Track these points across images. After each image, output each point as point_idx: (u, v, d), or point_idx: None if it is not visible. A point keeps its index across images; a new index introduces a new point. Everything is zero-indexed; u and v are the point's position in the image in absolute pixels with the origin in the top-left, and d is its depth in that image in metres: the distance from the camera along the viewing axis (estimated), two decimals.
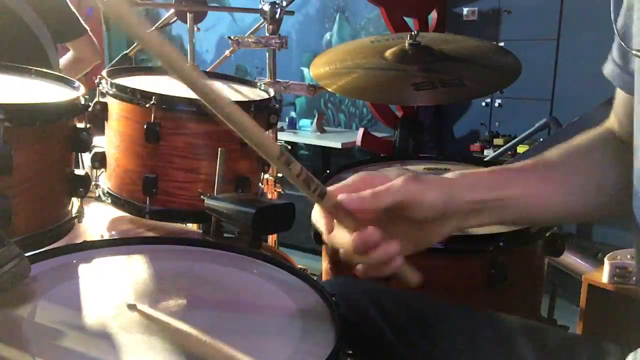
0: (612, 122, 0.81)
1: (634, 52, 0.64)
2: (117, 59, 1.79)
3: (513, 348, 0.77)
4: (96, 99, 1.18)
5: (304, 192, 0.66)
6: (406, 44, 1.51)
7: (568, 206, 0.77)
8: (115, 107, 1.17)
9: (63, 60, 2.19)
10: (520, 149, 3.23)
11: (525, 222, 0.93)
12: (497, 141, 3.66)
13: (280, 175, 1.70)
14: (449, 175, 0.72)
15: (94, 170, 1.24)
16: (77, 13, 2.15)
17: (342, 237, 0.68)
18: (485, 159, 2.99)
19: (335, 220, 0.69)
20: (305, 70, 4.69)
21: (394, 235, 0.67)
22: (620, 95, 0.77)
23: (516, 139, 3.24)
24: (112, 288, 0.80)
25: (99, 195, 1.25)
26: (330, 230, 0.69)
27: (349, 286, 0.89)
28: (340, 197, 0.66)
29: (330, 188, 0.68)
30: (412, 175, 0.68)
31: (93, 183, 1.20)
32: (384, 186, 0.67)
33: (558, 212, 0.77)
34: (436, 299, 0.89)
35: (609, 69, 0.75)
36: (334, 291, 0.79)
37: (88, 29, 2.20)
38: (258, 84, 1.39)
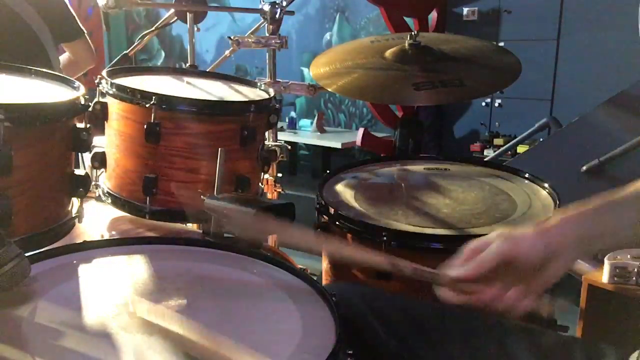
0: None
1: None
2: (117, 59, 1.79)
3: (511, 351, 0.78)
4: (96, 99, 1.18)
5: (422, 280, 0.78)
6: (406, 44, 1.51)
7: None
8: (115, 107, 1.16)
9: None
10: (520, 149, 3.23)
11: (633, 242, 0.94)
12: (497, 141, 3.66)
13: (280, 175, 1.70)
14: (547, 223, 0.77)
15: (94, 170, 1.24)
16: (76, 15, 2.15)
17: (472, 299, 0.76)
18: (485, 159, 2.99)
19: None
20: (305, 70, 4.69)
21: (515, 284, 0.74)
22: None
23: (516, 139, 3.25)
24: (112, 288, 0.80)
25: (99, 195, 1.25)
26: (465, 298, 0.76)
27: (347, 292, 0.89)
28: (452, 273, 0.76)
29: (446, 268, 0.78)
30: (506, 234, 0.76)
31: (93, 183, 1.20)
32: (483, 254, 0.75)
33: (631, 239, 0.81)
34: (434, 303, 0.90)
35: None
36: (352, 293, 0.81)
37: (86, 31, 2.20)
38: (258, 84, 1.39)
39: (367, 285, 1.14)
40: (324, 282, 1.25)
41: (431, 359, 0.80)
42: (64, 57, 2.22)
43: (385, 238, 1.06)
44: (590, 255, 0.78)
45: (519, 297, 0.74)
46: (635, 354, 0.68)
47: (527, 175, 1.39)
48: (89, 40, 2.22)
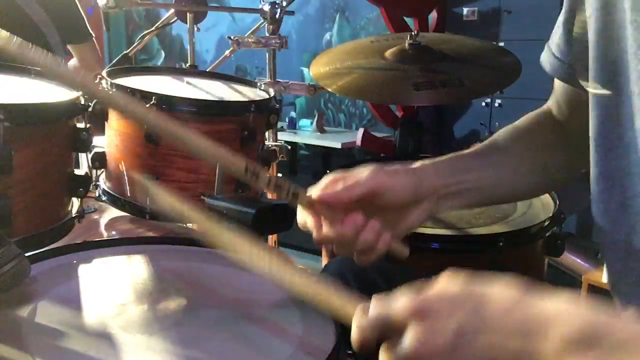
0: (551, 105, 0.89)
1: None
2: (117, 59, 1.78)
3: None
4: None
5: (280, 197, 0.71)
6: (406, 44, 1.51)
7: (515, 188, 0.85)
8: None
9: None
10: None
11: (482, 204, 1.00)
12: None
13: (280, 175, 1.70)
14: (415, 164, 0.77)
15: (94, 170, 1.24)
16: (85, 18, 2.15)
17: (330, 231, 0.71)
18: None
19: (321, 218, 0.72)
20: (305, 70, 4.69)
21: (376, 219, 0.71)
22: (559, 84, 0.85)
23: None
24: (112, 288, 0.80)
25: (99, 195, 1.25)
26: (318, 227, 0.72)
27: (354, 265, 0.90)
28: (314, 193, 0.71)
29: (306, 190, 0.73)
30: (380, 166, 0.73)
31: (93, 183, 1.20)
32: (354, 178, 0.72)
33: (506, 194, 0.86)
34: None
35: (549, 62, 0.82)
36: (347, 268, 0.82)
37: (94, 35, 2.20)
38: (258, 84, 1.39)
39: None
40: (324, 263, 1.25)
41: None
42: (70, 63, 2.21)
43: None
44: (446, 208, 0.80)
45: (379, 233, 0.71)
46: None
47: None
48: (97, 45, 2.22)
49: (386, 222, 0.72)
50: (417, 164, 0.77)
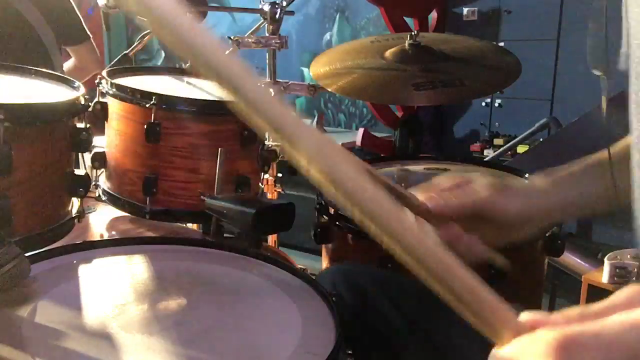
0: None
1: None
2: (117, 59, 1.78)
3: None
4: (96, 99, 1.18)
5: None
6: (406, 44, 1.51)
7: (606, 200, 0.82)
8: (115, 107, 1.16)
9: (64, 68, 2.18)
10: (520, 149, 3.23)
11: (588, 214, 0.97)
12: (497, 141, 3.65)
13: (280, 175, 1.70)
14: (531, 181, 0.78)
15: (94, 170, 1.24)
16: (82, 19, 2.14)
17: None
18: (485, 159, 2.99)
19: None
20: (305, 70, 4.69)
21: (474, 232, 0.73)
22: None
23: (516, 139, 3.25)
24: (112, 288, 0.80)
25: (99, 195, 1.25)
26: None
27: (355, 274, 0.89)
28: (427, 200, 0.73)
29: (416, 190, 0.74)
30: (497, 184, 0.74)
31: (93, 183, 1.20)
32: (470, 196, 0.73)
33: (599, 207, 0.83)
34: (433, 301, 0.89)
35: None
36: (339, 279, 0.82)
37: (91, 36, 2.19)
38: None
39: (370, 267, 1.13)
40: (324, 267, 1.25)
41: (442, 338, 0.80)
42: (69, 64, 2.21)
43: None
44: (553, 222, 0.83)
45: (477, 243, 0.72)
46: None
47: (527, 175, 1.39)
48: (95, 45, 2.21)
49: (485, 233, 0.73)
50: (534, 181, 0.78)
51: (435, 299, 0.86)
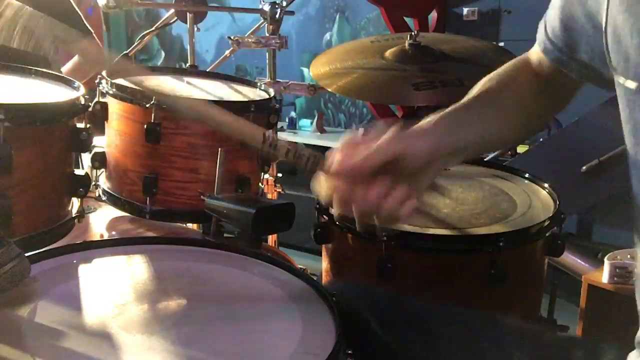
0: (532, 58, 0.93)
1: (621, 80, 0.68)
2: (117, 59, 1.78)
3: (509, 351, 0.77)
4: (96, 99, 1.18)
5: (300, 167, 0.72)
6: (406, 44, 1.51)
7: (504, 136, 0.89)
8: (115, 107, 1.16)
9: (68, 65, 2.18)
10: (520, 148, 3.22)
11: (475, 156, 1.06)
12: None
13: (280, 175, 1.70)
14: (424, 124, 0.78)
15: (94, 170, 1.24)
16: (82, 15, 2.14)
17: (351, 199, 0.72)
18: (485, 159, 2.99)
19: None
20: (305, 70, 4.69)
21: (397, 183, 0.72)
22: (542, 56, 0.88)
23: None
24: (112, 288, 0.80)
25: (99, 195, 1.25)
26: (339, 197, 0.73)
27: (346, 291, 0.89)
28: (335, 163, 0.72)
29: (325, 157, 0.74)
30: (399, 130, 0.73)
31: (93, 183, 1.20)
32: (374, 147, 0.71)
33: (496, 142, 0.93)
34: (432, 302, 0.90)
35: (544, 42, 0.87)
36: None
37: (92, 31, 2.19)
38: (258, 84, 1.39)
39: (366, 284, 1.14)
40: (324, 282, 1.25)
41: (429, 357, 0.80)
42: (72, 62, 2.21)
43: (385, 238, 1.06)
44: (455, 162, 0.84)
45: (404, 197, 0.72)
46: (634, 353, 0.68)
47: (527, 175, 1.39)
48: (97, 40, 2.20)
49: (407, 180, 0.73)
50: (428, 124, 0.78)
51: (421, 315, 0.87)
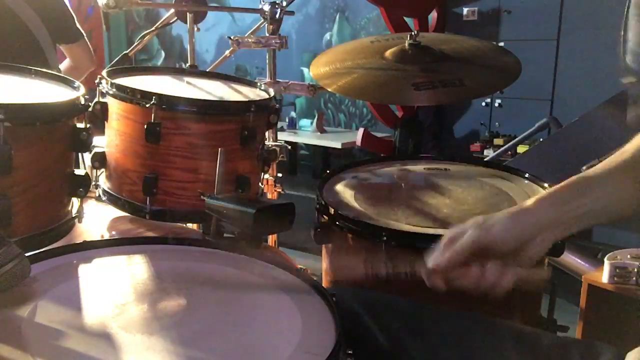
0: None
1: None
2: (117, 59, 1.78)
3: (506, 353, 0.78)
4: (96, 99, 1.18)
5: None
6: (406, 44, 1.50)
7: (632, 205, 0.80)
8: (115, 107, 1.16)
9: (60, 69, 2.18)
10: (521, 149, 3.23)
11: (614, 220, 0.88)
12: (497, 141, 3.66)
13: (280, 175, 1.70)
14: (525, 204, 0.78)
15: (94, 170, 1.24)
16: (75, 18, 2.15)
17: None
18: (485, 159, 2.99)
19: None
20: (305, 70, 4.69)
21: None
22: None
23: (516, 139, 3.25)
24: (112, 288, 0.80)
25: (99, 195, 1.25)
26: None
27: (344, 295, 0.89)
28: (428, 264, 0.78)
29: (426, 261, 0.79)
30: (481, 221, 0.76)
31: (93, 183, 1.20)
32: (457, 244, 0.76)
33: (631, 205, 0.80)
34: (429, 306, 0.90)
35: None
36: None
37: (85, 35, 2.19)
38: (258, 84, 1.39)
39: (366, 287, 1.14)
40: (323, 282, 1.25)
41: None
42: (63, 65, 2.21)
43: (385, 238, 1.06)
44: (569, 232, 0.79)
45: (499, 272, 0.74)
46: (632, 353, 0.68)
47: (527, 175, 1.39)
48: (89, 44, 2.22)
49: (502, 261, 0.75)
50: (529, 202, 0.78)
51: (419, 318, 0.87)
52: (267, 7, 1.74)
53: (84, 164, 1.28)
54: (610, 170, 0.80)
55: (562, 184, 0.79)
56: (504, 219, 0.77)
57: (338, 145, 4.17)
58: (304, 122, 4.57)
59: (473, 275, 0.75)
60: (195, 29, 1.73)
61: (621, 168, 0.80)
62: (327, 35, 4.71)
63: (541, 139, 3.06)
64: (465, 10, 3.71)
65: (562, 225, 0.77)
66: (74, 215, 1.05)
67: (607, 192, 0.78)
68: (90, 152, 1.20)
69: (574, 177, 0.80)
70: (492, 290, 0.75)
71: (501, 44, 3.37)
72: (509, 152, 3.27)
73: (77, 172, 1.04)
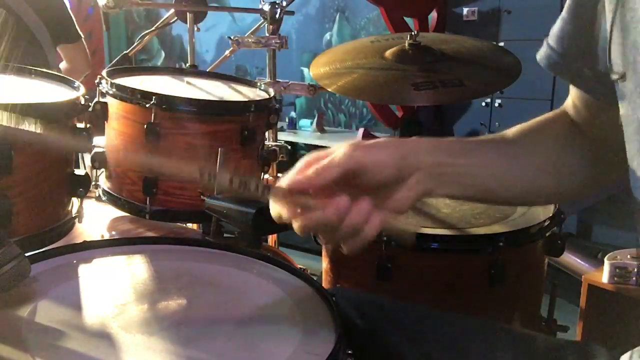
0: (567, 106, 0.81)
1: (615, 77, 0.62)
2: (117, 59, 1.78)
3: (501, 356, 0.77)
4: (96, 99, 1.18)
5: (250, 196, 0.66)
6: (406, 44, 1.50)
7: (522, 186, 0.76)
8: (115, 107, 1.16)
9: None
10: None
11: (487, 197, 0.82)
12: None
13: (280, 175, 1.70)
14: (404, 139, 0.71)
15: (94, 170, 1.24)
16: (74, 19, 2.15)
17: (311, 219, 0.65)
18: None
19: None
20: (305, 70, 4.69)
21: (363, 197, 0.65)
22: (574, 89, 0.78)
23: None
24: (112, 288, 0.80)
25: (99, 195, 1.25)
26: (296, 217, 0.66)
27: (343, 295, 0.89)
28: (285, 183, 0.65)
29: (275, 182, 0.67)
30: (356, 143, 0.66)
31: (93, 183, 1.20)
32: (326, 160, 0.65)
33: (516, 190, 0.76)
34: (427, 307, 0.89)
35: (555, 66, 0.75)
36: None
37: (83, 36, 2.19)
38: (258, 84, 1.39)
39: (366, 285, 1.14)
40: (323, 282, 1.25)
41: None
42: (62, 66, 2.21)
43: (385, 238, 1.06)
44: (443, 192, 0.71)
45: (367, 211, 0.63)
46: (627, 355, 0.68)
47: None
48: (86, 46, 2.22)
49: (374, 196, 0.65)
50: (409, 139, 0.70)
51: (413, 320, 0.84)
52: (267, 7, 1.74)
53: (84, 164, 1.28)
54: (483, 140, 0.76)
55: (445, 139, 0.73)
56: (385, 141, 0.68)
57: (335, 146, 4.16)
58: (304, 122, 4.56)
59: (339, 206, 0.62)
60: (195, 29, 1.73)
61: (493, 141, 0.76)
62: (327, 35, 4.71)
63: None
64: (465, 10, 3.70)
65: (439, 174, 0.68)
66: (74, 215, 1.05)
67: (485, 161, 0.73)
68: (90, 152, 1.20)
69: (456, 138, 0.75)
70: (352, 237, 0.65)
71: (501, 44, 3.37)
72: None
73: (77, 172, 1.04)
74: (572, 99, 0.80)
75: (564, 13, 0.74)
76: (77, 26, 2.15)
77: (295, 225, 0.66)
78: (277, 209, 0.67)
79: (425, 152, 0.68)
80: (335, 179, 0.64)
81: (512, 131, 0.79)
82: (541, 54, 0.77)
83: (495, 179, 0.73)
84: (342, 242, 0.67)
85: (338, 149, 0.66)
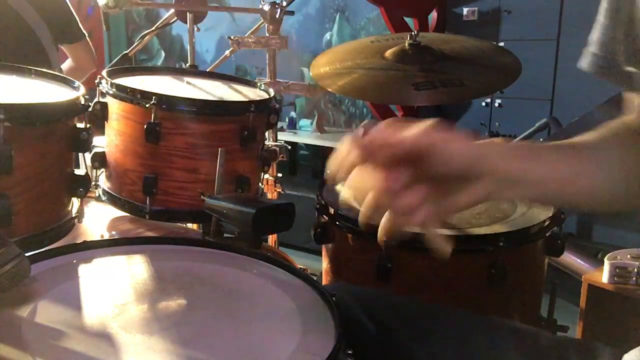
0: (632, 118, 0.75)
1: None
2: (117, 59, 1.78)
3: (504, 352, 0.77)
4: (96, 99, 1.18)
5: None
6: (406, 44, 1.51)
7: (599, 190, 0.69)
8: (115, 107, 1.17)
9: (62, 69, 2.19)
10: None
11: (564, 202, 0.77)
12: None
13: (280, 175, 1.70)
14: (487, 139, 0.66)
15: (94, 170, 1.24)
16: (77, 18, 2.15)
17: (372, 185, 0.63)
18: None
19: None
20: (305, 70, 4.69)
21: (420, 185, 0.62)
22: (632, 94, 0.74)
23: (516, 139, 3.25)
24: (112, 288, 0.80)
25: (99, 195, 1.25)
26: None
27: (340, 293, 0.89)
28: (361, 139, 0.64)
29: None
30: (437, 122, 0.63)
31: (93, 183, 1.20)
32: (401, 135, 0.62)
33: (590, 196, 0.69)
34: (429, 305, 0.89)
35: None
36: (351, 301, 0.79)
37: (87, 35, 2.20)
38: (258, 84, 1.39)
39: (366, 285, 1.14)
40: (324, 282, 1.25)
41: None
42: (65, 65, 2.21)
43: (384, 238, 1.06)
44: (510, 198, 0.70)
45: (423, 200, 0.60)
46: (629, 354, 0.68)
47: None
48: (91, 45, 2.22)
49: (432, 196, 0.62)
50: (484, 141, 0.65)
51: (416, 316, 0.84)
52: (267, 7, 1.74)
53: (84, 164, 1.28)
54: (602, 140, 0.70)
55: (526, 143, 0.69)
56: (465, 137, 0.63)
57: (338, 145, 4.16)
58: (304, 122, 4.56)
59: (399, 178, 0.60)
60: (195, 29, 1.73)
61: (614, 143, 0.70)
62: (327, 35, 4.70)
63: (541, 139, 3.05)
64: (465, 10, 3.71)
65: (511, 181, 0.64)
66: (74, 215, 1.05)
67: (598, 164, 0.68)
68: (90, 152, 1.20)
69: (542, 144, 0.69)
70: (397, 215, 0.63)
71: (501, 44, 3.37)
72: None
73: (77, 172, 1.04)
74: (628, 103, 0.75)
75: (601, 19, 0.73)
76: (80, 25, 2.15)
77: (348, 184, 0.66)
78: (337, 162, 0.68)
79: (498, 156, 0.64)
80: (407, 152, 0.61)
81: (592, 136, 0.73)
82: (587, 62, 0.75)
83: (569, 184, 0.67)
84: (389, 217, 0.65)
85: (422, 124, 0.63)
